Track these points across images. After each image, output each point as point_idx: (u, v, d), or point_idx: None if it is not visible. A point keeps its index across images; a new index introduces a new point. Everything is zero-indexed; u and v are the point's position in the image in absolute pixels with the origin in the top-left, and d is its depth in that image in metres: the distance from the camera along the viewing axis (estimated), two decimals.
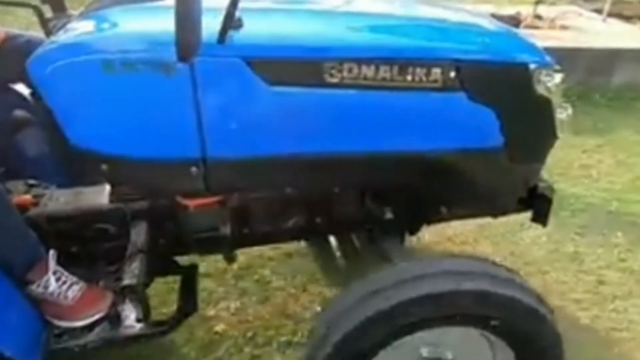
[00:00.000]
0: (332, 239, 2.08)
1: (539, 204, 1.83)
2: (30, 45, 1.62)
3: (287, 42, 1.37)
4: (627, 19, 6.25)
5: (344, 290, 1.50)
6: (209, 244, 1.70)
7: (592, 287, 2.41)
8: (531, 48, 1.59)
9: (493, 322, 1.43)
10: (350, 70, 1.36)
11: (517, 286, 1.44)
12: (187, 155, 1.38)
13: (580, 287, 2.40)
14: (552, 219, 1.82)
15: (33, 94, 1.74)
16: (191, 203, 1.61)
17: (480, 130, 1.53)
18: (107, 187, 1.70)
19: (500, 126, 1.52)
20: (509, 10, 5.67)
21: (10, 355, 1.35)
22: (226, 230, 1.64)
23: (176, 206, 1.63)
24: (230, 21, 1.24)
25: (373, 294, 1.39)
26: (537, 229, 2.46)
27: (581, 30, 5.38)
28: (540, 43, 1.69)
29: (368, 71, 1.37)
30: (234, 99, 1.35)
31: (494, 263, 1.54)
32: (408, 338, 1.45)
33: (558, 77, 1.65)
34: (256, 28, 1.34)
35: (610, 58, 4.79)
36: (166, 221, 1.67)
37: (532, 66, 1.52)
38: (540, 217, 1.85)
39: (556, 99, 1.64)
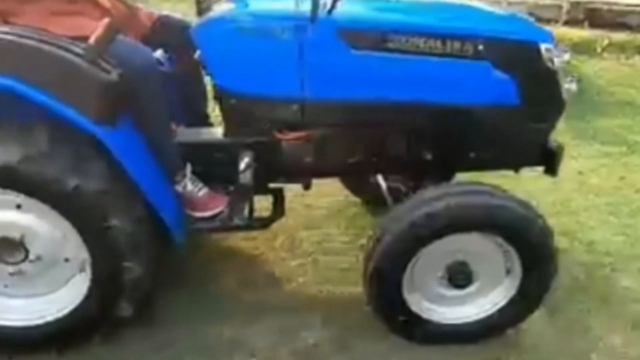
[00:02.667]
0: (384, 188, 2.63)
1: (550, 159, 2.33)
2: (169, 23, 2.30)
3: (364, 19, 1.99)
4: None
5: (395, 207, 2.10)
6: (294, 173, 2.29)
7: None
8: (543, 32, 2.13)
9: (495, 229, 1.97)
10: (406, 41, 1.95)
11: (512, 200, 1.99)
12: (291, 95, 2.01)
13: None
14: None
15: (169, 58, 2.41)
16: (284, 137, 2.19)
17: (501, 90, 2.07)
18: (221, 128, 2.30)
19: (516, 89, 2.07)
20: None
21: (169, 224, 1.99)
22: (308, 161, 2.22)
23: (273, 140, 2.18)
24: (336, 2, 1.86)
25: (407, 210, 1.99)
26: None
27: None
28: None
29: (419, 42, 1.96)
30: (326, 57, 1.96)
31: (492, 186, 2.08)
32: (436, 250, 2.01)
33: (566, 55, 2.18)
34: (346, 10, 1.95)
35: None
36: (265, 152, 2.19)
37: (542, 45, 2.05)
38: (551, 170, 2.35)
39: (562, 72, 2.16)
